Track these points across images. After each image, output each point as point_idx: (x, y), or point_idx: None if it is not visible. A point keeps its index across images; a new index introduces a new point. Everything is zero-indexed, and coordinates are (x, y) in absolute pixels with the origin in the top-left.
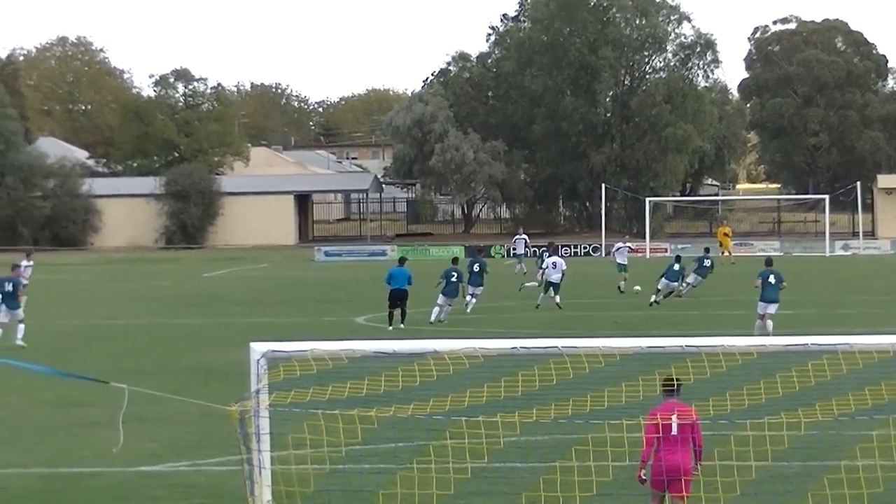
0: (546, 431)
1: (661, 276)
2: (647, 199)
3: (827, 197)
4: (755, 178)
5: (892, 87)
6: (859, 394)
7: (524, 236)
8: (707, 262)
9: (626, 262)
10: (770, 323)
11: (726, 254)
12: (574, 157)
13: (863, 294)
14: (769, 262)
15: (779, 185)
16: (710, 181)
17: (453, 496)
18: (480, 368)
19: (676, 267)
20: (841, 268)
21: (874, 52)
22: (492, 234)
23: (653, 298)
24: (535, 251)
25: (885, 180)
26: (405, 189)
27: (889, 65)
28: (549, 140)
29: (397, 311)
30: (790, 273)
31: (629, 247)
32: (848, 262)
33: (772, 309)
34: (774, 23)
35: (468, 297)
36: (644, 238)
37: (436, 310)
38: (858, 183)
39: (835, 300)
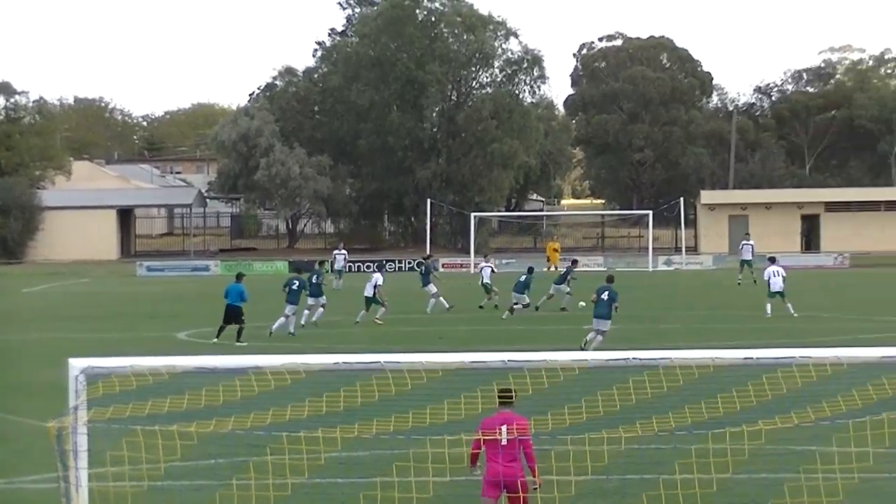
0: (367, 447)
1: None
2: (473, 215)
3: (651, 212)
4: (580, 194)
5: (717, 104)
6: (679, 409)
7: (343, 251)
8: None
9: (490, 282)
10: (599, 338)
11: (553, 269)
12: (400, 171)
13: (685, 309)
14: (610, 279)
15: (603, 201)
16: (535, 196)
17: None
18: (302, 384)
19: (523, 278)
20: (664, 283)
21: (699, 68)
22: (316, 248)
23: (506, 314)
24: (356, 267)
25: (707, 196)
26: (229, 204)
27: (714, 81)
28: (375, 155)
29: (232, 327)
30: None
31: (491, 267)
32: (671, 277)
33: (600, 325)
34: (601, 39)
35: (317, 309)
36: (469, 253)
37: (281, 320)
38: (682, 199)
39: (658, 315)
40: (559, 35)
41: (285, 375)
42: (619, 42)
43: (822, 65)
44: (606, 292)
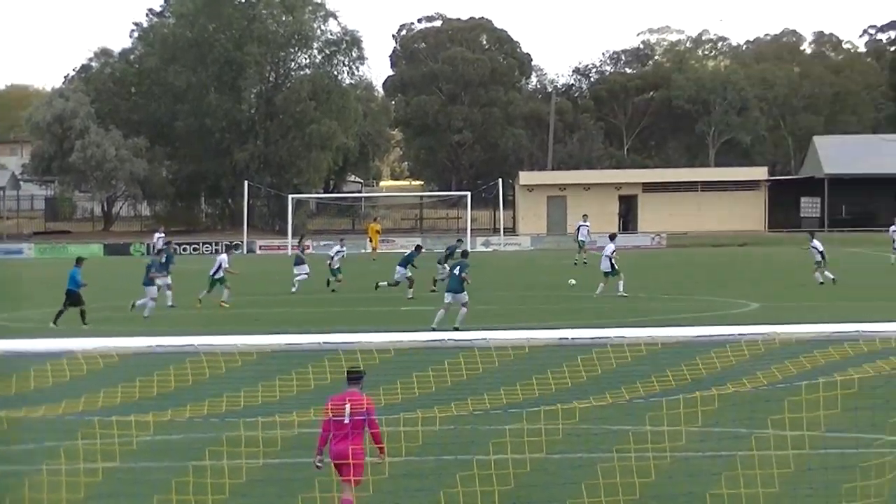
0: (181, 431)
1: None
2: (290, 196)
3: (469, 194)
4: (399, 176)
5: (536, 85)
6: (494, 390)
7: (163, 234)
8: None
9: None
10: (463, 311)
11: (373, 250)
12: (217, 153)
13: (504, 290)
14: (465, 254)
15: (422, 183)
16: (353, 178)
17: (84, 499)
18: (116, 368)
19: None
20: (482, 264)
21: (518, 50)
22: (132, 231)
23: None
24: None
25: (526, 177)
26: (44, 186)
27: (533, 63)
28: (192, 137)
29: (74, 310)
30: (429, 270)
31: (343, 251)
32: (489, 258)
33: (449, 298)
34: (420, 20)
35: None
36: (286, 235)
37: (150, 303)
38: (500, 180)
39: (475, 296)
40: (378, 16)
41: (98, 359)
42: (438, 23)
43: (641, 46)
44: (458, 267)
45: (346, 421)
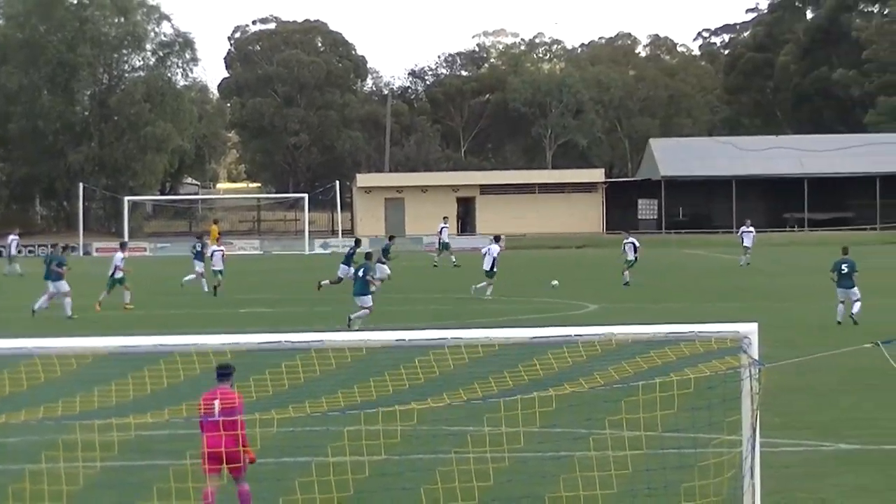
0: (19, 433)
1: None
2: (126, 199)
3: (307, 196)
4: (236, 178)
5: (372, 88)
6: (332, 393)
7: (17, 236)
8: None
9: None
10: (363, 311)
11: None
12: (52, 155)
13: (342, 292)
14: (368, 256)
15: (260, 185)
16: (190, 180)
17: None
18: None
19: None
20: (320, 265)
21: (353, 52)
22: None
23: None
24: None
25: (363, 179)
26: None
27: (368, 65)
28: (25, 139)
29: None
30: (270, 271)
31: (223, 251)
32: (327, 259)
33: (362, 302)
34: (255, 23)
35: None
36: (123, 237)
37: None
38: (338, 182)
39: (313, 298)
40: (213, 18)
41: None
42: (273, 25)
43: (476, 48)
44: (362, 269)
45: (216, 417)
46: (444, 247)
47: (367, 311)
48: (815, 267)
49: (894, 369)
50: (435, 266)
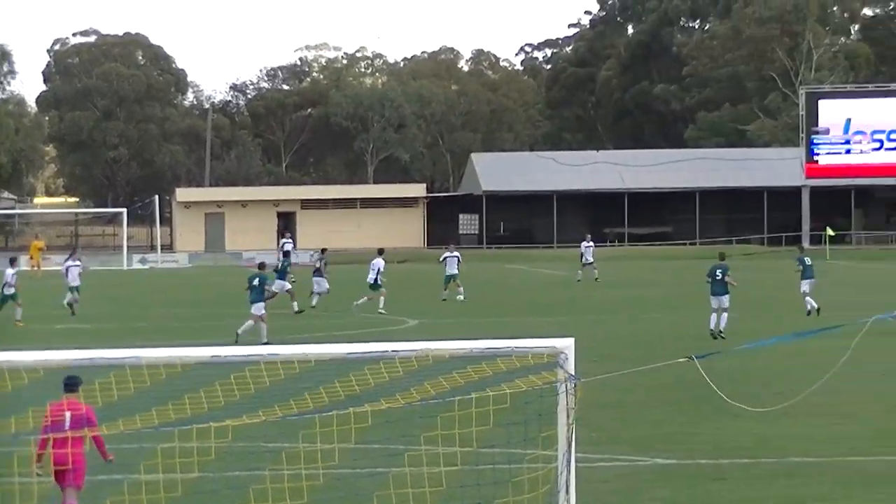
0: None
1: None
2: None
3: (125, 210)
4: (54, 192)
5: (193, 102)
6: (145, 410)
7: None
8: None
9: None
10: (255, 323)
11: (35, 268)
12: None
13: (161, 307)
14: (261, 265)
15: (78, 199)
16: (6, 195)
17: None
18: None
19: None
20: (139, 281)
21: (174, 65)
22: None
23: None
24: None
25: (183, 194)
26: None
27: (189, 79)
28: None
29: None
30: (90, 287)
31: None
32: (146, 275)
33: (255, 310)
34: (75, 35)
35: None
36: None
37: None
38: (157, 196)
39: (133, 313)
40: (31, 31)
41: None
42: (93, 38)
43: (298, 63)
44: (257, 279)
45: (66, 427)
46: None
47: (252, 322)
48: (635, 281)
49: (707, 383)
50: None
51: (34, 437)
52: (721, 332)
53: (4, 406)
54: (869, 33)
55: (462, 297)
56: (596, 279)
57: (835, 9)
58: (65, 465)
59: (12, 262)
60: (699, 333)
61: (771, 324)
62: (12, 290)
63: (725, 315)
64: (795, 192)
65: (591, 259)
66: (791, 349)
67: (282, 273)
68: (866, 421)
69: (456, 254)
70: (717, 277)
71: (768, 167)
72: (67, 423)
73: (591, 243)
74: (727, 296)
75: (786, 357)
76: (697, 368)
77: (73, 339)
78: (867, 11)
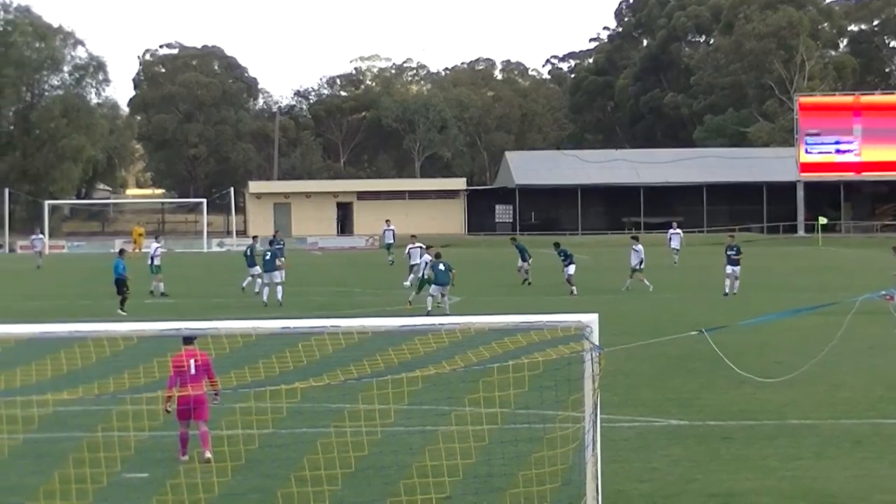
0: None
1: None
2: (46, 202)
3: (205, 201)
4: (143, 184)
5: (262, 106)
6: (225, 373)
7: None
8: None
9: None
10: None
11: (136, 250)
12: None
13: (235, 286)
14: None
15: (164, 190)
16: (102, 186)
17: None
18: None
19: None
20: (217, 262)
21: (246, 74)
22: None
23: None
24: None
25: (255, 186)
26: None
27: (259, 86)
28: None
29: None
30: (175, 267)
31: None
32: (223, 257)
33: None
34: (161, 47)
35: None
36: (45, 236)
37: None
38: (232, 189)
39: (211, 290)
40: (123, 42)
41: None
42: (176, 50)
43: (354, 72)
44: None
45: (193, 372)
46: (388, 247)
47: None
48: (649, 265)
49: (717, 354)
50: (391, 263)
51: (162, 389)
52: (735, 293)
53: (104, 369)
54: (855, 47)
55: (408, 284)
56: (674, 263)
57: (825, 25)
58: (195, 404)
59: (157, 237)
60: (707, 311)
61: (770, 302)
62: (158, 262)
63: (737, 282)
64: (791, 186)
65: (676, 246)
66: (787, 324)
67: (252, 261)
68: (856, 389)
69: (420, 245)
70: (731, 254)
71: (767, 165)
72: (192, 370)
73: (679, 231)
74: (738, 267)
75: (783, 331)
76: (706, 341)
77: (158, 313)
78: (853, 27)
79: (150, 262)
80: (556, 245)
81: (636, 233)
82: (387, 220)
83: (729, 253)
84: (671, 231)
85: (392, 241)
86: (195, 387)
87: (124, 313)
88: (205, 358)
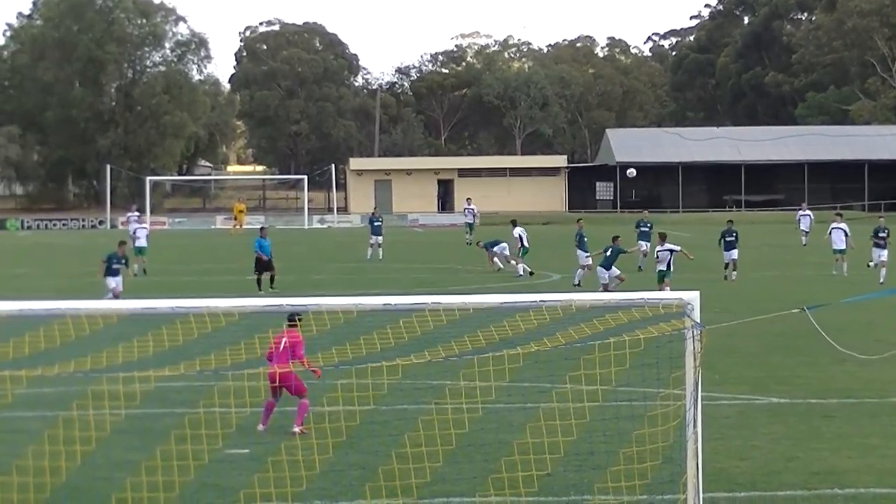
0: (53, 385)
1: None
2: (148, 179)
3: (306, 177)
4: (244, 161)
5: (363, 83)
6: (327, 349)
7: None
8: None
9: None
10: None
11: (238, 227)
12: (83, 141)
13: (336, 262)
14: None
15: (265, 167)
16: (204, 163)
17: None
18: None
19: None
20: (318, 239)
21: (347, 51)
22: (7, 209)
23: None
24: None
25: (356, 163)
26: None
27: (360, 63)
28: (60, 125)
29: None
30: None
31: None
32: (324, 234)
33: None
34: (261, 24)
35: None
36: (146, 212)
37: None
38: (333, 165)
39: (311, 267)
40: (225, 18)
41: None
42: (277, 27)
43: (455, 49)
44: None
45: (282, 349)
46: (470, 227)
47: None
48: (751, 244)
49: (817, 332)
50: (468, 244)
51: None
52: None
53: (206, 345)
54: None
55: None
56: (804, 245)
57: None
58: (282, 380)
59: (137, 209)
60: (807, 288)
61: (874, 280)
62: (143, 244)
63: (884, 270)
64: (893, 164)
65: (805, 228)
66: (887, 303)
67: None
68: None
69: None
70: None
71: (868, 143)
72: (281, 348)
73: (809, 212)
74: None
75: (883, 309)
76: (807, 319)
77: (255, 289)
78: None
79: (132, 241)
80: (730, 222)
81: (839, 210)
82: (467, 199)
83: (881, 236)
84: (800, 212)
85: (472, 221)
86: (281, 365)
87: (274, 289)
88: (296, 338)
